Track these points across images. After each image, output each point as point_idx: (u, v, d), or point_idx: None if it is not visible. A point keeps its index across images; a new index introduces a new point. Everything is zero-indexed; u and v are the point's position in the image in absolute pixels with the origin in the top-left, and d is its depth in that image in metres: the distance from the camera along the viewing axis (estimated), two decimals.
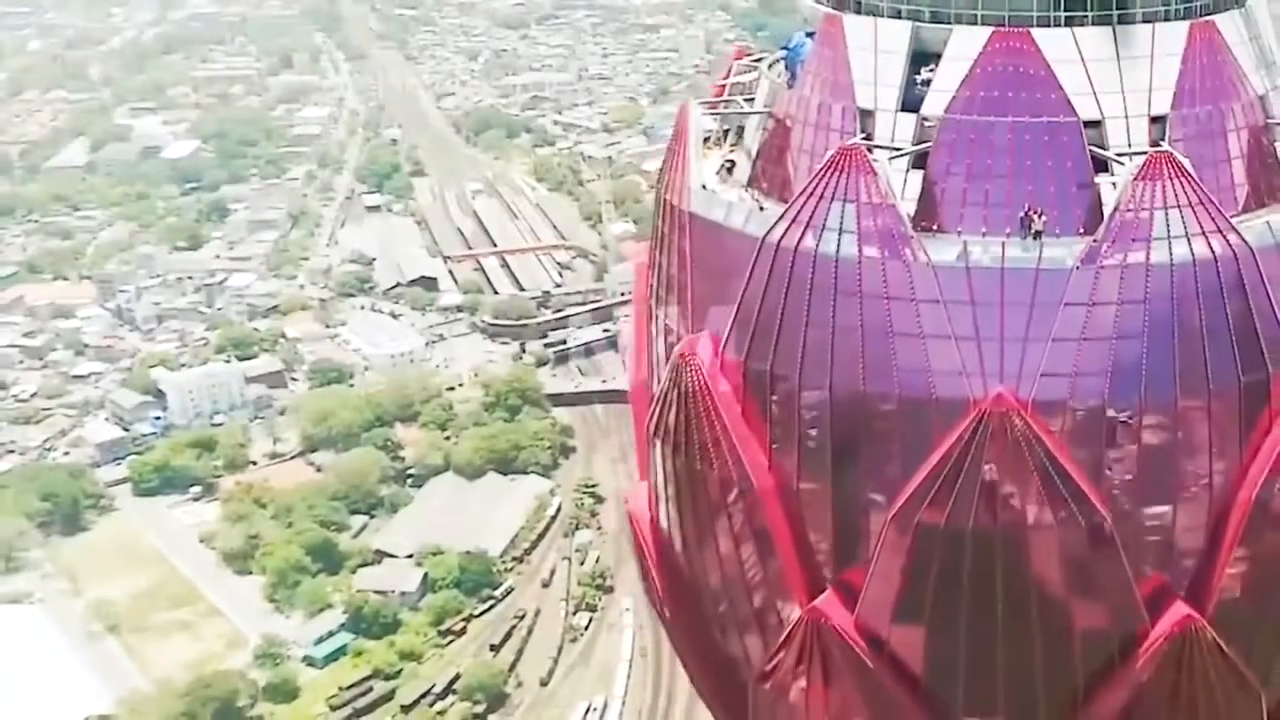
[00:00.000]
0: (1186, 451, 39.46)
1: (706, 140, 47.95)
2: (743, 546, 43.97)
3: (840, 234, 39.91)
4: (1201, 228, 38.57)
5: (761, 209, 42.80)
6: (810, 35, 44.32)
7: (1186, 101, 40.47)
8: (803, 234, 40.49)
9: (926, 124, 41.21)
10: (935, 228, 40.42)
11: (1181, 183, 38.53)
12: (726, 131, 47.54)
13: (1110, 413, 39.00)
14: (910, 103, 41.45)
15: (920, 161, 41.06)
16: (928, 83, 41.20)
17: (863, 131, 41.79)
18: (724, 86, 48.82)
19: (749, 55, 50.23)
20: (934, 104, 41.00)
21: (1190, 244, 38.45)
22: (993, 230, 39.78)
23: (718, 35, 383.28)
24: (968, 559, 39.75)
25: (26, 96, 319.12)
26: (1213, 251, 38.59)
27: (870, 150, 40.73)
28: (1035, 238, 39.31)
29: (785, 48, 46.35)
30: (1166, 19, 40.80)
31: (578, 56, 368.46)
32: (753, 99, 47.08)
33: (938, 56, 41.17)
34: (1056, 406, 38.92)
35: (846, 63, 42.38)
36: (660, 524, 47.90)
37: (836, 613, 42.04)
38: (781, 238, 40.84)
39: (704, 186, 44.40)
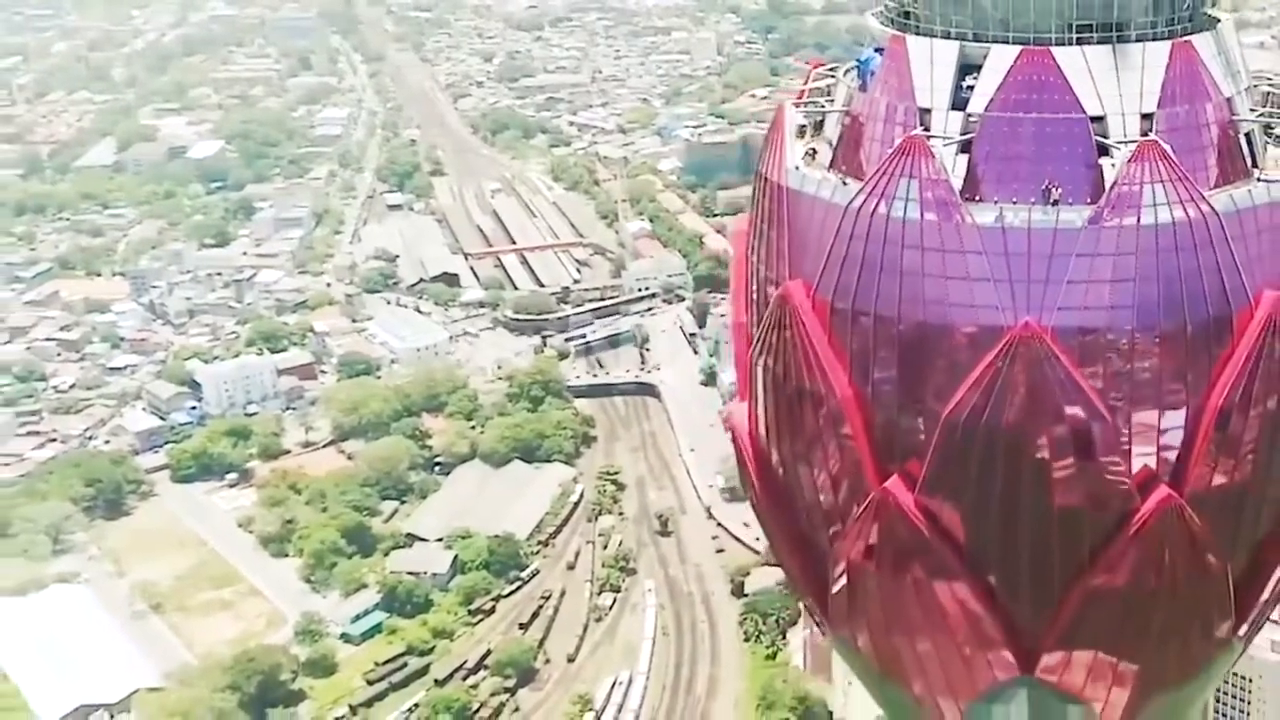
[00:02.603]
0: (1168, 369, 50.03)
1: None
2: (828, 446, 54.53)
3: (907, 202, 50.69)
4: (1179, 198, 49.25)
5: (845, 184, 53.29)
6: (879, 51, 54.87)
7: (1169, 102, 50.96)
8: (878, 202, 51.16)
9: (971, 119, 51.61)
10: (978, 198, 50.92)
11: (1164, 164, 49.10)
12: (804, 126, 57.36)
13: (1110, 337, 49.56)
14: (958, 103, 52.05)
15: (966, 148, 51.54)
16: (971, 88, 51.82)
17: (922, 125, 52.36)
18: (804, 90, 57.88)
19: (824, 65, 59.70)
20: (976, 104, 51.66)
21: (1171, 210, 49.22)
22: (1021, 200, 50.28)
23: (728, 37, 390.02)
24: (1001, 451, 50.28)
25: (52, 97, 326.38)
26: (1188, 216, 49.32)
27: (928, 139, 51.21)
28: (1053, 205, 49.77)
29: (858, 60, 56.26)
30: (1154, 39, 51.53)
31: (591, 59, 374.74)
32: (832, 100, 57.50)
33: (979, 68, 51.83)
34: (1070, 333, 49.27)
35: (909, 72, 52.99)
36: (759, 435, 58.38)
37: (901, 493, 52.69)
38: (861, 205, 51.60)
39: (796, 168, 55.08)
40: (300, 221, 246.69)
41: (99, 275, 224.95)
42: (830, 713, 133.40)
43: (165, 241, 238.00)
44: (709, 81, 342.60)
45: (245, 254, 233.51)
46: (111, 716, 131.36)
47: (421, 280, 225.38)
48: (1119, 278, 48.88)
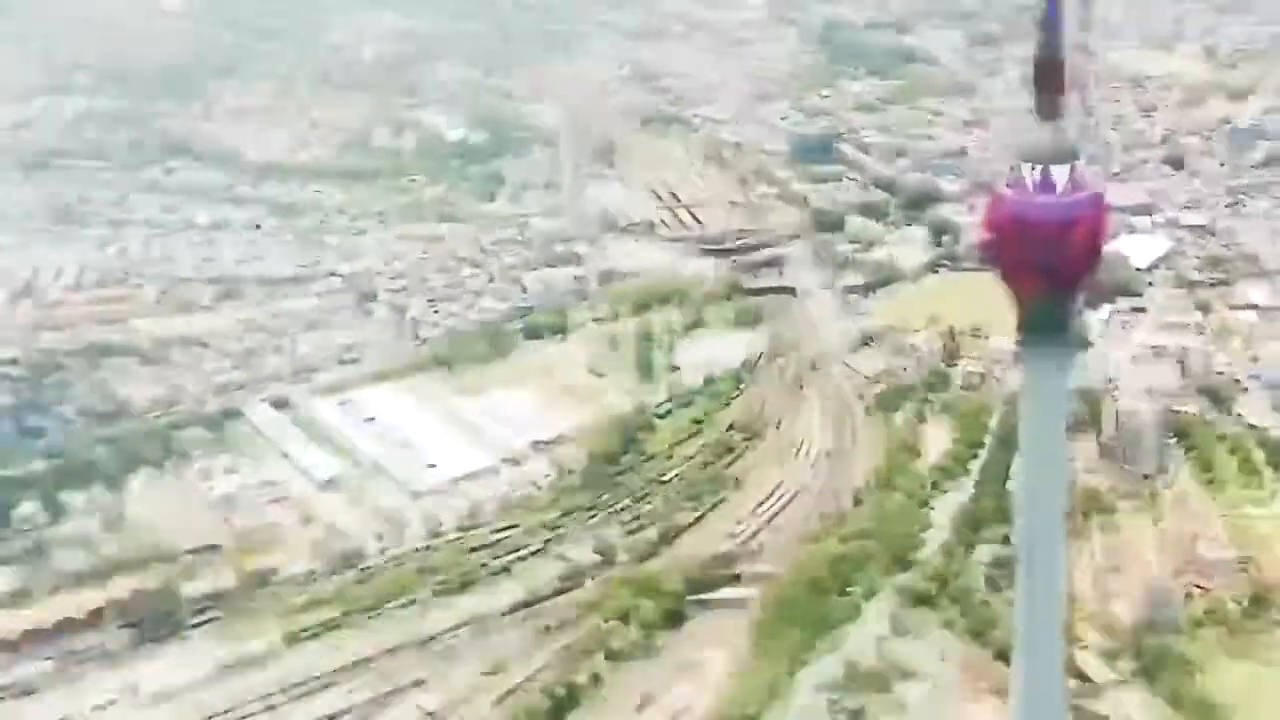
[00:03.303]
0: None
1: None
2: None
3: None
4: None
5: None
6: None
7: None
8: None
9: None
10: None
11: None
12: None
13: None
14: None
15: None
16: None
17: None
18: None
19: None
20: None
21: None
22: None
23: (795, 48, 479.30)
24: None
25: (324, 97, 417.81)
26: None
27: None
28: None
29: None
30: None
31: (696, 63, 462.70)
32: None
33: None
34: None
35: None
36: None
37: None
38: None
39: None
40: (536, 186, 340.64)
41: (426, 219, 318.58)
42: (915, 450, 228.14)
43: (454, 199, 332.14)
44: (787, 84, 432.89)
45: (509, 208, 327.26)
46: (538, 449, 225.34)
47: (631, 224, 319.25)
48: None
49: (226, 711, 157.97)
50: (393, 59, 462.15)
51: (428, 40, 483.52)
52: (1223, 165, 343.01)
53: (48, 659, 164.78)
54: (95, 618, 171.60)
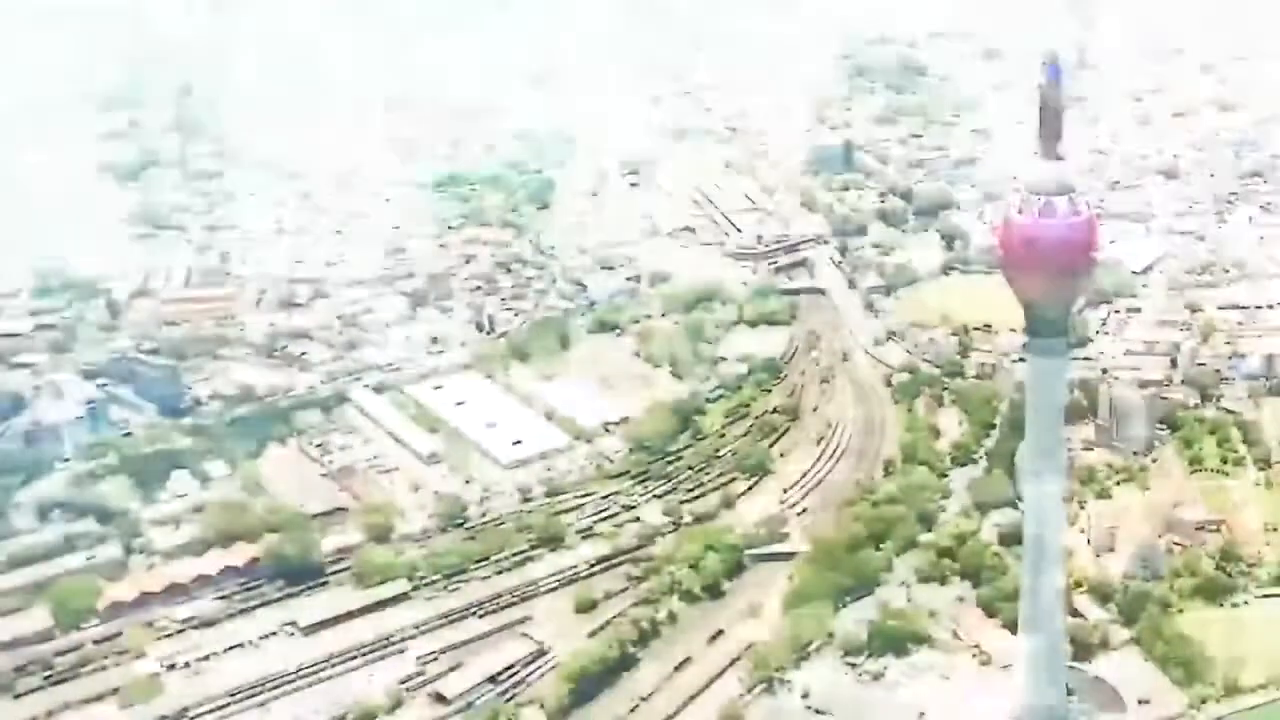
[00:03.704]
0: None
1: None
2: None
3: None
4: None
5: None
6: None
7: None
8: None
9: None
10: None
11: None
12: None
13: None
14: None
15: None
16: None
17: None
18: None
19: None
20: None
21: None
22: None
23: (817, 63, 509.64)
24: None
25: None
26: None
27: None
28: None
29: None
30: None
31: (725, 78, 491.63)
32: None
33: None
34: None
35: None
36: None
37: None
38: None
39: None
40: (585, 193, 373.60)
41: (489, 225, 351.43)
42: (935, 430, 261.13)
43: (513, 207, 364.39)
44: (810, 97, 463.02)
45: (563, 215, 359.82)
46: (607, 429, 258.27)
47: (674, 230, 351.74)
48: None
49: (374, 641, 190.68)
50: (442, 73, 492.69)
51: (476, 55, 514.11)
52: (1213, 175, 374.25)
53: (218, 598, 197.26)
54: (251, 566, 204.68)
